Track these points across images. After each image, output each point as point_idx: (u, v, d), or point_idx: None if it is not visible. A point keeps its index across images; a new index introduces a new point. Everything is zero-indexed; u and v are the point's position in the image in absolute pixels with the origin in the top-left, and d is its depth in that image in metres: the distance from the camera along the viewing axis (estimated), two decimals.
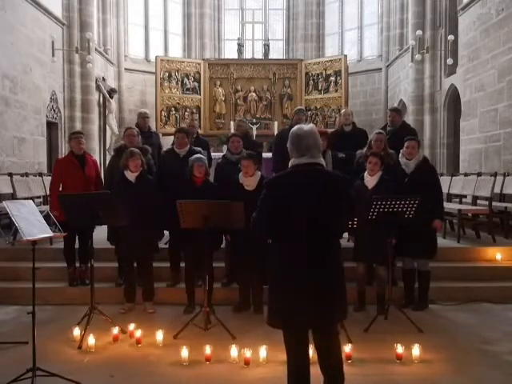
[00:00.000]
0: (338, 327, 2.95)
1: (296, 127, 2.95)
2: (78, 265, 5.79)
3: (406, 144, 5.24)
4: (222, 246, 5.41)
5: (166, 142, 10.20)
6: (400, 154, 5.31)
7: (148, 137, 6.49)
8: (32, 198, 7.00)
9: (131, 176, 5.16)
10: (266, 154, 8.86)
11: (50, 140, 11.54)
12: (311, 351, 3.10)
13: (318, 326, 2.83)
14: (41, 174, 8.93)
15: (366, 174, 5.11)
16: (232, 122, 12.87)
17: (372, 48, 16.71)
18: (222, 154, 7.61)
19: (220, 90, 13.85)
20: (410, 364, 3.89)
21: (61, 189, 5.68)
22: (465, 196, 8.49)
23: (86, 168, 5.67)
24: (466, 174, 8.95)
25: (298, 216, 2.76)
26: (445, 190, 8.05)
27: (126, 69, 15.41)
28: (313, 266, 2.74)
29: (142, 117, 6.80)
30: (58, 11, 11.51)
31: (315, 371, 2.95)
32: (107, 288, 5.58)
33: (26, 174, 8.49)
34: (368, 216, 4.57)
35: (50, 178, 6.56)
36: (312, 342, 2.93)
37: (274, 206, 2.80)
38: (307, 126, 2.92)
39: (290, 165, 2.89)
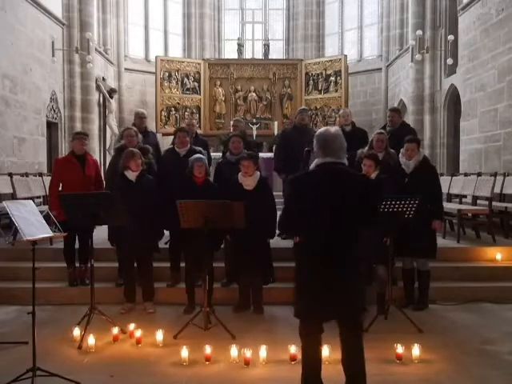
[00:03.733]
0: (362, 323, 3.05)
1: (323, 129, 3.04)
2: (77, 265, 5.80)
3: (405, 146, 5.24)
4: (222, 245, 5.42)
5: (166, 142, 10.23)
6: (400, 154, 5.31)
7: (145, 136, 6.49)
8: (32, 198, 6.99)
9: (132, 176, 5.16)
10: (266, 154, 8.88)
11: (49, 140, 11.55)
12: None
13: (340, 316, 2.95)
14: (41, 174, 8.93)
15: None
16: (232, 122, 12.86)
17: (372, 48, 16.72)
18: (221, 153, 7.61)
19: (220, 90, 13.86)
20: (409, 364, 3.89)
21: (60, 188, 5.69)
22: (465, 196, 8.49)
23: (85, 168, 5.67)
24: (466, 174, 8.95)
25: (321, 213, 2.83)
26: (445, 190, 8.05)
27: (125, 69, 15.42)
28: (336, 263, 2.83)
29: (139, 117, 6.80)
30: (58, 11, 11.51)
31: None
32: (107, 288, 5.57)
33: (26, 174, 8.49)
34: None
35: (50, 177, 6.57)
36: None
37: (299, 203, 2.88)
38: (333, 129, 3.03)
39: (314, 164, 2.98)
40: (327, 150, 2.90)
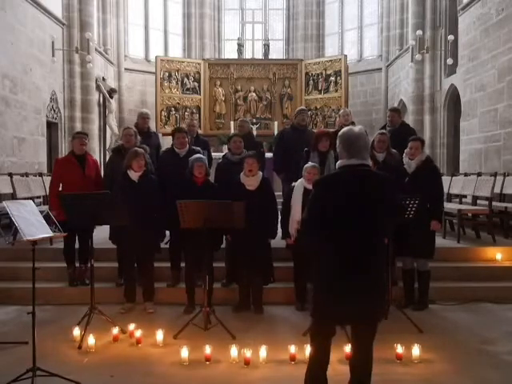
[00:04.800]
0: (376, 328, 3.00)
1: (346, 129, 2.98)
2: (77, 265, 5.80)
3: (409, 144, 5.24)
4: (222, 245, 5.42)
5: (166, 142, 10.23)
6: (404, 154, 5.31)
7: (147, 137, 6.50)
8: (32, 198, 7.00)
9: (134, 176, 5.16)
10: (267, 154, 8.87)
11: (49, 140, 11.55)
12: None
13: (362, 318, 2.90)
14: (41, 174, 8.94)
15: None
16: (232, 122, 12.88)
17: (372, 48, 16.72)
18: (222, 153, 7.61)
19: (220, 90, 13.85)
20: (410, 364, 3.89)
21: (60, 188, 5.69)
22: (465, 196, 8.49)
23: (85, 168, 5.67)
24: (466, 174, 8.95)
25: (346, 216, 2.80)
26: (445, 190, 8.03)
27: (126, 69, 15.42)
28: (359, 266, 2.79)
29: (143, 117, 6.81)
30: (58, 11, 11.52)
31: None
32: (107, 288, 5.58)
33: (26, 174, 8.50)
34: None
35: (50, 177, 6.57)
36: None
37: (323, 206, 2.83)
38: (357, 128, 2.97)
39: (338, 165, 2.94)
40: (351, 149, 2.86)
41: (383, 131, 5.81)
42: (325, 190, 2.87)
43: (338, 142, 2.97)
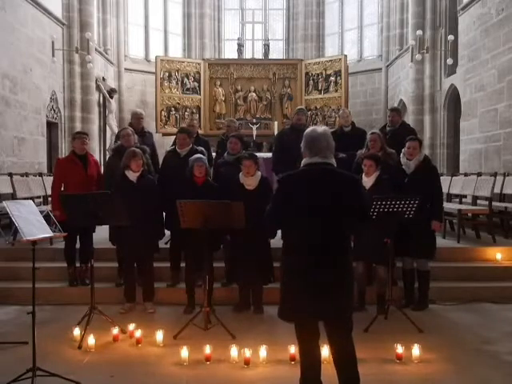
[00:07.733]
0: (351, 323, 2.99)
1: (310, 129, 3.06)
2: (78, 265, 5.80)
3: (407, 144, 5.24)
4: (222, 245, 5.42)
5: (166, 142, 10.24)
6: (401, 154, 5.31)
7: (142, 136, 6.51)
8: (32, 198, 7.00)
9: (133, 176, 5.16)
10: (266, 154, 8.87)
11: (49, 140, 11.56)
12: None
13: (329, 315, 2.89)
14: (41, 174, 8.93)
15: (363, 174, 5.12)
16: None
17: (372, 48, 16.72)
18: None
19: (220, 90, 13.84)
20: (410, 364, 3.89)
21: (62, 188, 5.69)
22: (465, 196, 8.49)
23: (87, 168, 5.68)
24: (466, 174, 8.95)
25: (309, 214, 2.82)
26: (445, 189, 8.05)
27: (125, 69, 15.41)
28: (323, 264, 2.80)
29: (137, 117, 6.81)
30: (58, 11, 11.52)
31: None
32: (107, 288, 5.58)
33: (26, 174, 8.49)
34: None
35: (50, 177, 6.57)
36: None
37: (286, 203, 2.86)
38: (321, 129, 3.03)
39: (302, 164, 2.98)
40: (314, 149, 2.92)
41: (374, 131, 5.83)
42: (287, 187, 2.91)
43: (302, 141, 3.03)
